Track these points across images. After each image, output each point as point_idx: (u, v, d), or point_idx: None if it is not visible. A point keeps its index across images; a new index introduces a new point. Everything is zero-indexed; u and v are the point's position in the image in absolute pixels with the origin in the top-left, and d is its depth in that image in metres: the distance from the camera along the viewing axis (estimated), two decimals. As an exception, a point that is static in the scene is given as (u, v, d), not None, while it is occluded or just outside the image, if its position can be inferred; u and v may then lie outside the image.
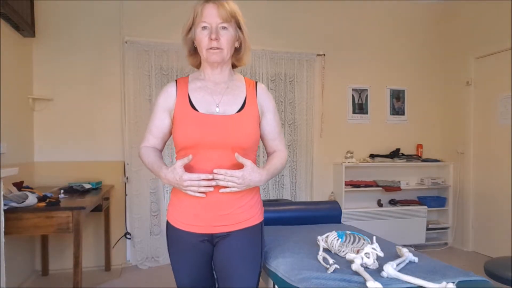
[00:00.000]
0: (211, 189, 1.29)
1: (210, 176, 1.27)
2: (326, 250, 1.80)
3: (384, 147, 4.34)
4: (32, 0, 3.22)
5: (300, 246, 1.85)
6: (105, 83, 3.54)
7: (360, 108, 4.31)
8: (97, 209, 3.17)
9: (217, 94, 1.37)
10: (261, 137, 1.47)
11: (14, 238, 2.87)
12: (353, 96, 4.28)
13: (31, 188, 2.65)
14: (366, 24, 4.31)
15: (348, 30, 4.25)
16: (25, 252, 3.16)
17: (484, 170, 4.01)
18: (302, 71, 4.04)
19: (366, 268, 1.55)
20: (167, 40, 3.55)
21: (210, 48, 1.32)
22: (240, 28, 1.39)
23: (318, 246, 1.81)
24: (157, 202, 3.69)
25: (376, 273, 1.49)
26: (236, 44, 1.40)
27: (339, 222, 2.56)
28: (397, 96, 4.43)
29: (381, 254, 1.60)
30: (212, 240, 1.39)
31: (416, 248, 3.94)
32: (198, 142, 1.29)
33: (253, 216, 1.41)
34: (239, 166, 1.31)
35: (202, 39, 1.33)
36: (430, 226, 4.23)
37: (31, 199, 2.29)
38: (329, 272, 1.51)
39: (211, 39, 1.31)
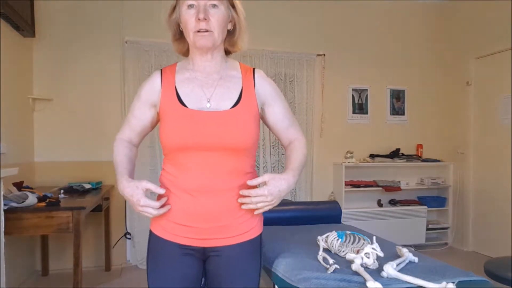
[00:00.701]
0: (165, 210, 1.13)
1: (163, 201, 1.13)
2: (326, 250, 1.80)
3: (384, 147, 4.34)
4: (32, 0, 3.22)
5: (300, 246, 1.85)
6: (105, 83, 3.54)
7: (360, 108, 4.31)
8: (97, 209, 3.17)
9: (208, 87, 1.17)
10: (273, 130, 1.30)
11: (14, 238, 2.87)
12: (353, 96, 4.28)
13: (31, 188, 2.65)
14: (366, 24, 4.31)
15: (348, 30, 4.25)
16: (25, 252, 3.16)
17: (484, 170, 4.01)
18: (302, 71, 4.05)
19: (366, 268, 1.55)
20: (167, 40, 3.52)
21: (198, 31, 1.12)
22: (233, 7, 1.19)
23: (318, 246, 1.81)
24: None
25: (376, 273, 1.49)
26: (229, 26, 1.20)
27: (339, 222, 2.56)
28: (397, 96, 4.43)
29: (381, 254, 1.60)
30: (203, 254, 1.20)
31: (416, 248, 3.94)
32: (187, 144, 1.11)
33: (253, 227, 1.22)
34: (242, 169, 1.17)
35: (188, 20, 1.13)
36: (430, 226, 4.22)
37: (31, 199, 2.29)
38: (329, 272, 1.51)
39: (198, 19, 1.11)
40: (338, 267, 1.56)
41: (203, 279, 1.26)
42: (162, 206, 1.13)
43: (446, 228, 4.35)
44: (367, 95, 4.32)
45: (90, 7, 3.52)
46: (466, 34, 4.22)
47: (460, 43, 4.30)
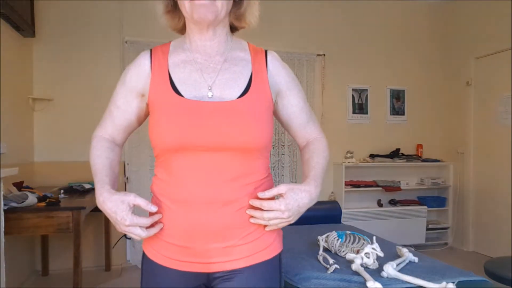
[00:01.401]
0: (155, 230, 0.91)
1: (156, 218, 0.91)
2: (326, 250, 1.80)
3: (384, 147, 4.34)
4: (32, 0, 3.22)
5: (300, 246, 1.85)
6: (105, 83, 3.54)
7: (360, 108, 4.31)
8: (97, 209, 3.15)
9: (209, 71, 0.94)
10: (287, 127, 1.07)
11: (14, 238, 2.87)
12: (353, 96, 4.28)
13: (31, 188, 2.65)
14: (366, 24, 4.31)
15: (348, 30, 4.25)
16: (25, 252, 3.16)
17: (484, 170, 4.01)
18: (302, 71, 4.04)
19: (366, 268, 1.55)
20: (167, 40, 3.54)
21: None
22: None
23: (318, 246, 1.81)
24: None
25: (376, 273, 1.49)
26: None
27: (339, 222, 2.56)
28: (397, 96, 4.43)
29: (381, 254, 1.60)
30: (208, 281, 0.96)
31: (416, 248, 3.94)
32: (184, 143, 0.88)
33: (270, 244, 0.96)
34: (252, 175, 0.93)
35: None
36: (430, 226, 4.22)
37: (31, 199, 2.29)
38: (329, 272, 1.51)
39: None
40: (338, 267, 1.56)
41: None
42: (152, 225, 0.91)
43: (446, 228, 4.35)
44: (367, 95, 4.32)
45: (90, 7, 3.52)
46: (466, 34, 4.22)
47: (460, 43, 4.30)
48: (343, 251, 1.75)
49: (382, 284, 1.34)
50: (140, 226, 0.87)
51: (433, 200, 4.33)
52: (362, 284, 1.38)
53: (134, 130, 1.07)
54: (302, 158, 1.07)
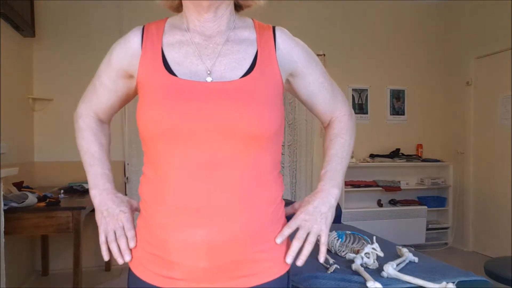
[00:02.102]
0: (126, 259, 0.84)
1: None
2: (326, 250, 1.80)
3: (384, 147, 4.34)
4: (32, 0, 3.22)
5: (300, 246, 1.85)
6: (105, 83, 3.54)
7: (360, 108, 4.31)
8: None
9: (208, 53, 0.81)
10: (309, 107, 0.94)
11: (14, 238, 2.87)
12: (353, 96, 4.28)
13: (31, 188, 2.65)
14: (366, 24, 4.31)
15: (348, 30, 4.25)
16: (25, 252, 3.16)
17: (484, 170, 4.01)
18: (302, 71, 4.04)
19: (366, 268, 1.55)
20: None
21: None
22: None
23: (318, 246, 1.81)
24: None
25: (376, 273, 1.49)
26: None
27: (339, 222, 2.56)
28: (397, 96, 4.43)
29: (381, 254, 1.60)
30: None
31: (416, 248, 3.94)
32: (176, 129, 0.73)
33: (279, 259, 0.83)
34: (260, 171, 0.78)
35: None
36: (430, 226, 4.22)
37: (31, 199, 2.29)
38: (329, 272, 1.51)
39: None
40: (338, 267, 1.56)
41: None
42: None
43: (446, 228, 4.35)
44: (367, 95, 4.32)
45: (90, 7, 3.52)
46: (466, 34, 4.22)
47: (460, 43, 4.29)
48: (343, 251, 1.75)
49: (382, 284, 1.34)
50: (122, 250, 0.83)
51: (433, 200, 4.33)
52: (362, 284, 1.38)
53: (117, 110, 0.97)
54: (324, 143, 0.95)
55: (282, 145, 4.09)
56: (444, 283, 1.33)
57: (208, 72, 0.78)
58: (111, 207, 0.86)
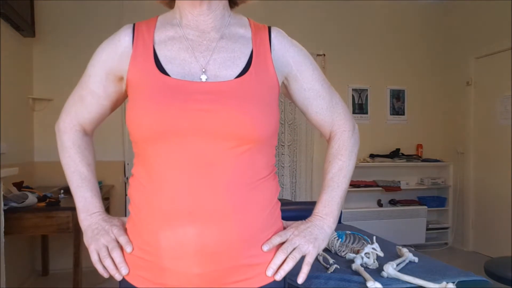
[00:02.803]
0: (123, 272, 0.80)
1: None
2: (326, 250, 1.80)
3: (384, 147, 4.34)
4: (32, 0, 3.22)
5: (300, 246, 1.85)
6: (105, 83, 3.54)
7: (360, 108, 4.31)
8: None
9: (202, 50, 0.78)
10: (305, 115, 0.90)
11: (14, 238, 2.87)
12: (353, 96, 4.28)
13: (31, 188, 2.65)
14: (366, 24, 4.31)
15: (348, 30, 4.25)
16: (25, 252, 3.16)
17: (484, 170, 4.01)
18: (302, 71, 4.04)
19: (366, 268, 1.56)
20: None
21: None
22: None
23: (318, 246, 1.81)
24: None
25: (376, 273, 1.49)
26: None
27: (339, 222, 2.56)
28: (397, 96, 4.43)
29: (381, 254, 1.60)
30: None
31: (416, 248, 3.94)
32: (166, 128, 0.71)
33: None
34: (253, 174, 0.77)
35: None
36: (430, 226, 4.22)
37: (31, 199, 2.29)
38: (329, 272, 1.51)
39: None
40: (338, 267, 1.56)
41: None
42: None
43: (446, 228, 4.35)
44: (367, 95, 4.32)
45: (90, 7, 3.52)
46: (466, 34, 4.22)
47: (460, 43, 4.29)
48: (343, 251, 1.75)
49: (382, 284, 1.34)
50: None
51: (433, 200, 4.33)
52: (362, 284, 1.38)
53: (104, 118, 0.91)
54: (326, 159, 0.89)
55: (282, 145, 4.10)
56: (444, 283, 1.33)
57: (203, 70, 0.76)
58: (101, 224, 0.83)
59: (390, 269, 1.45)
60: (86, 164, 0.88)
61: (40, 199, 2.39)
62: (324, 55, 4.13)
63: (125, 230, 0.82)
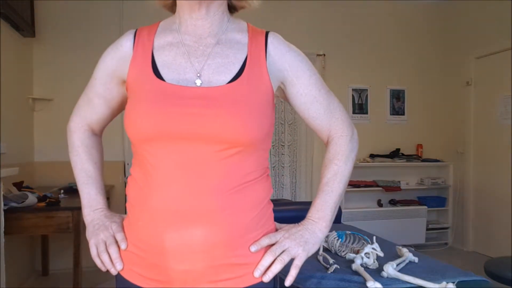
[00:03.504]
0: (118, 267, 0.82)
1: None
2: (326, 250, 1.80)
3: (384, 147, 4.34)
4: (32, 0, 3.22)
5: (300, 246, 1.85)
6: (105, 83, 3.54)
7: (360, 108, 4.31)
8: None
9: (198, 55, 0.80)
10: (304, 119, 0.90)
11: (14, 238, 2.87)
12: (353, 96, 4.28)
13: (31, 188, 2.65)
14: (366, 24, 4.31)
15: (348, 30, 4.25)
16: (25, 252, 3.16)
17: (484, 170, 4.01)
18: (302, 71, 4.04)
19: (366, 268, 1.55)
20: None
21: None
22: None
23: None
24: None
25: (376, 273, 1.49)
26: None
27: (339, 222, 2.56)
28: (397, 96, 4.43)
29: (381, 254, 1.60)
30: None
31: (416, 248, 3.94)
32: (160, 131, 0.74)
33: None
34: (245, 175, 0.78)
35: None
36: (430, 226, 4.23)
37: (31, 199, 2.29)
38: (329, 272, 1.51)
39: None
40: (338, 267, 1.56)
41: None
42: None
43: (446, 228, 4.35)
44: (367, 95, 4.32)
45: (90, 7, 3.52)
46: (466, 34, 4.22)
47: (460, 43, 4.29)
48: (343, 251, 1.75)
49: (382, 284, 1.34)
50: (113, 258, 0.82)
51: (433, 200, 4.33)
52: (362, 284, 1.38)
53: (111, 120, 0.96)
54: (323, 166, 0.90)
55: (282, 145, 4.11)
56: (444, 283, 1.33)
57: (198, 75, 0.78)
58: (103, 220, 0.87)
59: (390, 269, 1.45)
60: (93, 163, 0.92)
61: (40, 199, 2.39)
62: (324, 55, 4.13)
63: (123, 227, 0.85)
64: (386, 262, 1.51)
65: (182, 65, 0.79)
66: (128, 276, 0.82)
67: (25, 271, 3.13)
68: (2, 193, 1.99)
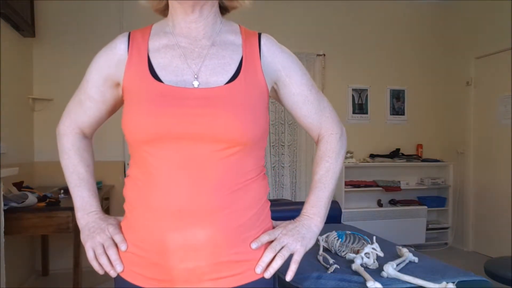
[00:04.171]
0: (118, 269, 0.83)
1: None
2: (326, 250, 1.80)
3: (384, 147, 4.34)
4: (32, 0, 3.22)
5: (300, 246, 1.85)
6: (105, 83, 3.54)
7: (360, 108, 4.31)
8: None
9: (194, 57, 0.81)
10: (294, 118, 0.94)
11: (14, 238, 2.87)
12: (353, 96, 4.28)
13: (31, 188, 2.65)
14: (366, 24, 4.31)
15: (348, 30, 4.25)
16: (25, 252, 3.16)
17: (484, 170, 4.01)
18: (302, 71, 4.04)
19: (366, 268, 1.55)
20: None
21: None
22: None
23: (318, 246, 1.81)
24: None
25: (376, 273, 1.49)
26: None
27: (339, 222, 2.56)
28: (397, 96, 4.43)
29: (381, 254, 1.60)
30: None
31: (416, 248, 3.94)
32: (160, 132, 0.75)
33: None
34: (242, 175, 0.80)
35: None
36: (430, 226, 4.22)
37: (31, 199, 2.29)
38: (329, 272, 1.51)
39: None
40: (338, 267, 1.56)
41: None
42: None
43: (446, 228, 4.35)
44: (367, 95, 4.32)
45: (90, 7, 3.52)
46: (466, 34, 4.22)
47: (460, 43, 4.29)
48: (343, 251, 1.75)
49: (382, 284, 1.34)
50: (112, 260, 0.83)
51: (433, 200, 4.33)
52: (362, 284, 1.38)
53: (102, 123, 0.97)
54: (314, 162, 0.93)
55: (282, 145, 4.10)
56: (444, 283, 1.33)
57: (196, 76, 0.79)
58: (98, 222, 0.86)
59: (390, 269, 1.45)
60: (85, 165, 0.92)
61: (40, 199, 2.39)
62: (324, 55, 4.14)
63: (121, 228, 0.85)
64: (386, 262, 1.51)
65: (179, 67, 0.80)
66: (128, 277, 0.82)
67: (25, 271, 3.13)
68: (2, 193, 1.99)
